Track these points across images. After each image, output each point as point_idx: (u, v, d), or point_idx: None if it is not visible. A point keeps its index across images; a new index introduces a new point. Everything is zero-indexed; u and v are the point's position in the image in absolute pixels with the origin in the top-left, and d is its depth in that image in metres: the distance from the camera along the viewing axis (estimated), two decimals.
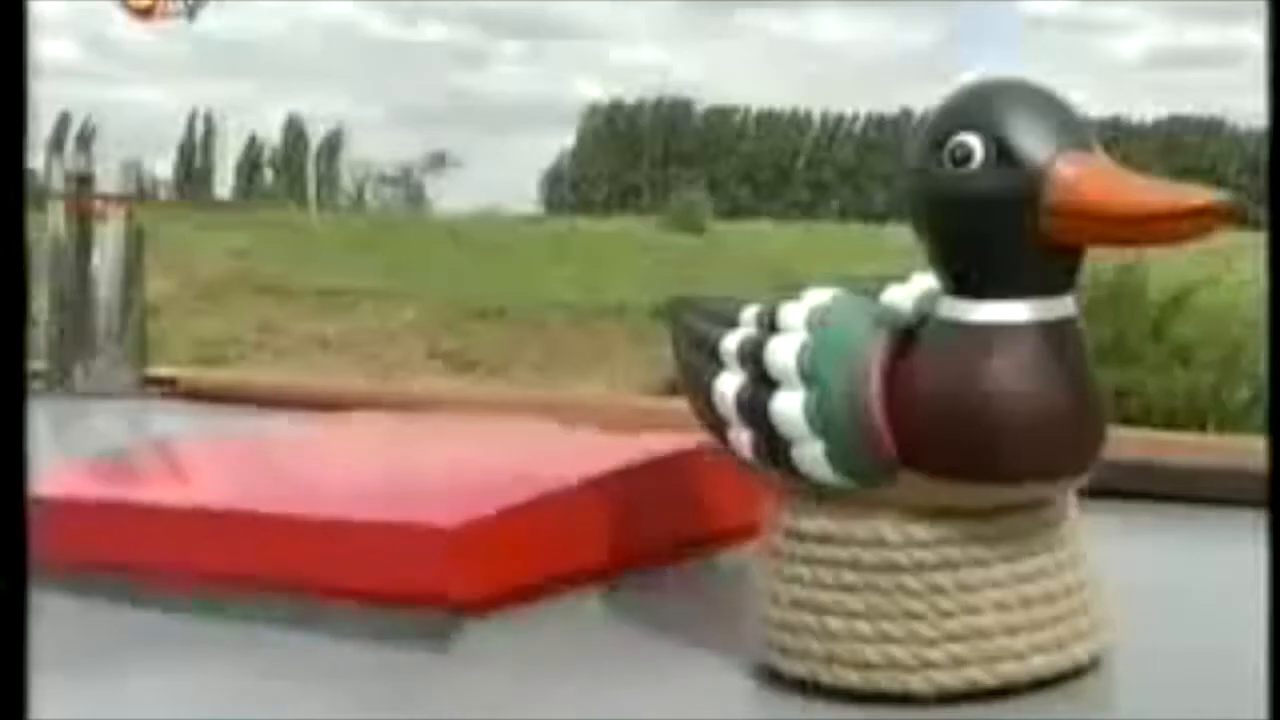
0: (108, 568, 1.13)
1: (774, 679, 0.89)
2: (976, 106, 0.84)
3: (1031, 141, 0.81)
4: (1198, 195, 0.77)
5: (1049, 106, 0.83)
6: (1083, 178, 0.80)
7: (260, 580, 1.07)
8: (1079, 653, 0.87)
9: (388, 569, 1.03)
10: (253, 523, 1.10)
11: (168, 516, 1.15)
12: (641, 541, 1.13)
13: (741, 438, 0.91)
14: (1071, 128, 0.82)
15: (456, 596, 1.02)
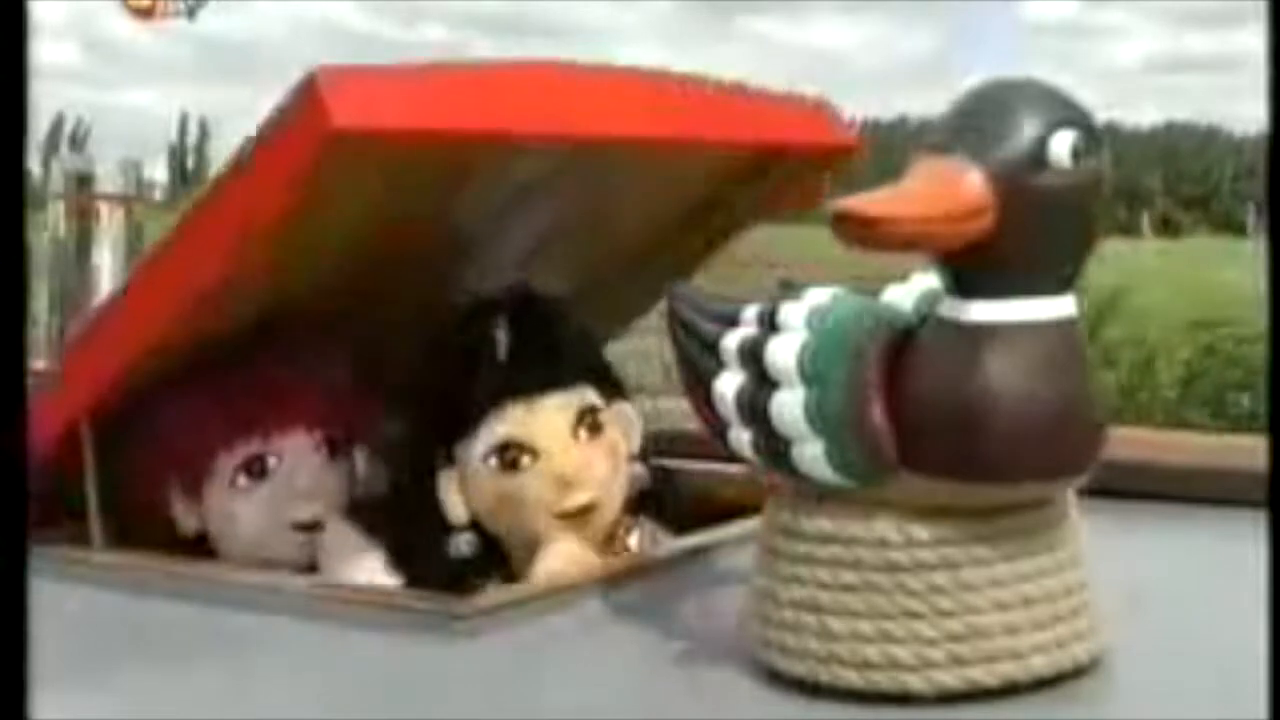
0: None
1: (774, 679, 0.89)
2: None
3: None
4: (856, 205, 0.79)
5: (974, 108, 0.83)
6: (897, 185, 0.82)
7: None
8: (1079, 652, 0.87)
9: None
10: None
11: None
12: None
13: (742, 437, 0.91)
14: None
15: None
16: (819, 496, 0.88)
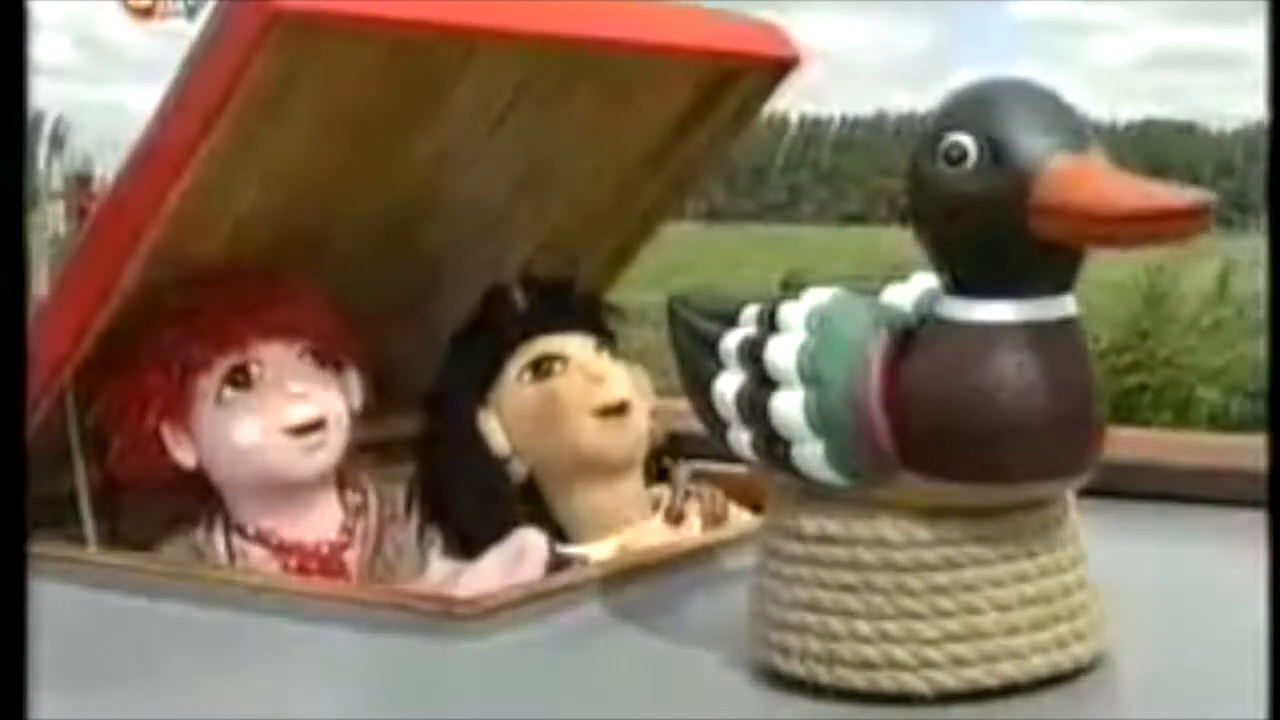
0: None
1: (775, 679, 0.89)
2: (973, 107, 0.84)
3: (1024, 141, 0.81)
4: (1177, 197, 0.77)
5: (1044, 106, 0.83)
6: (1069, 178, 0.80)
7: None
8: (1079, 652, 0.87)
9: None
10: None
11: None
12: None
13: (742, 437, 0.91)
14: (1065, 127, 0.82)
15: None
16: (819, 496, 0.88)
